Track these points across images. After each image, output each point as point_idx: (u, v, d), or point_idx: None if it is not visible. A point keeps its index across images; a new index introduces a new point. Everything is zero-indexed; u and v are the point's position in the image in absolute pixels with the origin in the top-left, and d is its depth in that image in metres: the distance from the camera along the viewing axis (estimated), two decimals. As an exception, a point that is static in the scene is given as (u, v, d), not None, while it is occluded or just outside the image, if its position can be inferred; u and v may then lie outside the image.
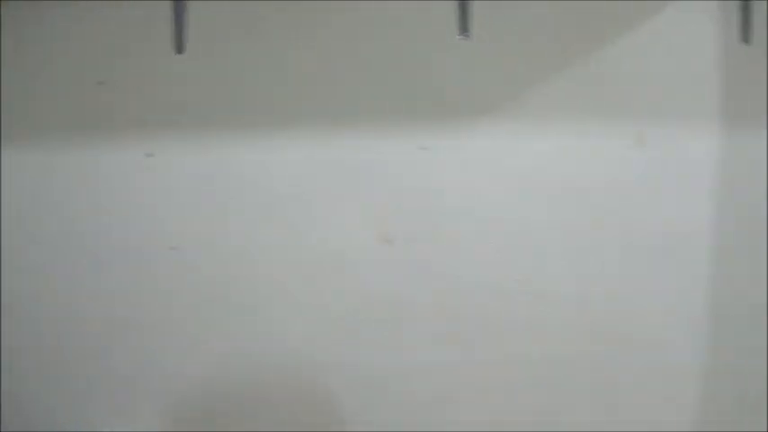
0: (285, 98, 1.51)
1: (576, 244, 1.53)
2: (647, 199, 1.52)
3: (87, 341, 1.54)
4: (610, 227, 1.53)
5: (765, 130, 1.50)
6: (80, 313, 1.53)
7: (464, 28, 1.40)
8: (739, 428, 1.53)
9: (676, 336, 1.54)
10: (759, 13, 1.44)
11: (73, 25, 1.50)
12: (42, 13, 1.48)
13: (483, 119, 1.51)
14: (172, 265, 1.54)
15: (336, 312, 1.55)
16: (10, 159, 1.51)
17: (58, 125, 1.51)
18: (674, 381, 1.55)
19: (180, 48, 1.45)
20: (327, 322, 1.55)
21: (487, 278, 1.53)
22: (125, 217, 1.53)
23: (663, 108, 1.50)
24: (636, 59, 1.49)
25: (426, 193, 1.52)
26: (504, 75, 1.50)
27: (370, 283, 1.54)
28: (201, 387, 1.56)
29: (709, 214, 1.51)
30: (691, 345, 1.54)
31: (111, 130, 1.52)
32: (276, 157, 1.52)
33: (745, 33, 1.44)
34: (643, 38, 1.48)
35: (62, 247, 1.53)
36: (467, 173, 1.52)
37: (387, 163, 1.52)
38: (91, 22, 1.49)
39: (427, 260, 1.53)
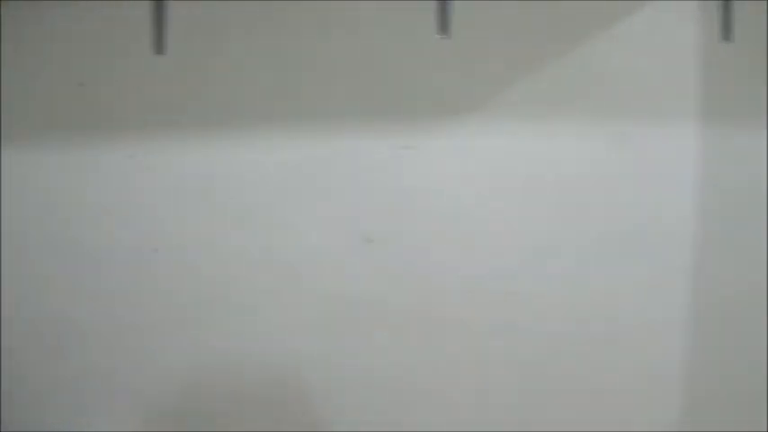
0: (266, 99, 1.51)
1: (556, 243, 1.53)
2: (626, 197, 1.52)
3: (67, 340, 1.54)
4: (589, 225, 1.53)
5: (744, 128, 1.50)
6: (60, 312, 1.53)
7: (443, 28, 1.40)
8: (722, 425, 1.53)
9: (657, 333, 1.54)
10: (740, 12, 1.45)
11: (53, 26, 1.50)
12: (25, 12, 1.48)
13: (462, 119, 1.51)
14: (153, 266, 1.54)
15: (315, 311, 1.55)
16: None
17: (38, 126, 1.51)
18: (656, 378, 1.55)
19: (160, 48, 1.44)
20: (306, 321, 1.55)
21: (466, 277, 1.54)
22: (106, 219, 1.53)
23: (642, 106, 1.50)
24: (615, 58, 1.50)
25: (406, 192, 1.53)
26: (484, 74, 1.51)
27: (349, 281, 1.54)
28: (179, 385, 1.56)
29: (689, 212, 1.52)
30: (671, 342, 1.54)
31: (92, 132, 1.52)
32: (257, 158, 1.52)
33: (726, 32, 1.44)
34: (623, 37, 1.49)
35: (41, 247, 1.52)
36: (447, 172, 1.52)
37: (366, 163, 1.52)
38: (71, 23, 1.49)
39: (407, 259, 1.53)
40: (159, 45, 1.45)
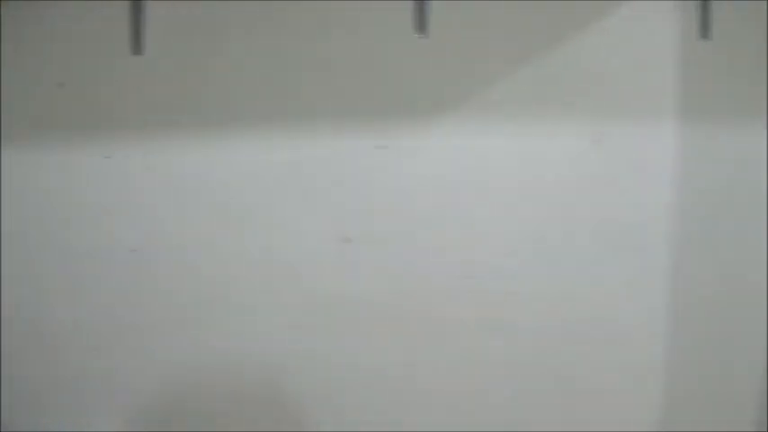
0: (245, 98, 1.50)
1: (534, 242, 1.54)
2: (605, 196, 1.52)
3: (46, 341, 1.53)
4: (568, 224, 1.53)
5: (723, 127, 1.51)
6: (39, 312, 1.53)
7: (421, 27, 1.41)
8: (703, 421, 1.53)
9: (637, 332, 1.54)
10: (717, 11, 1.45)
11: (31, 25, 1.49)
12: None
13: (440, 118, 1.51)
14: (132, 267, 1.53)
15: (294, 311, 1.54)
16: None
17: (15, 126, 1.51)
18: (636, 375, 1.55)
19: (138, 49, 1.44)
20: (285, 321, 1.54)
21: (446, 276, 1.53)
22: (84, 219, 1.52)
23: (621, 105, 1.51)
24: (594, 58, 1.50)
25: (385, 191, 1.52)
26: (462, 74, 1.50)
27: (328, 281, 1.53)
28: (171, 385, 1.55)
29: (668, 210, 1.52)
30: (651, 340, 1.54)
31: (70, 132, 1.51)
32: (235, 158, 1.51)
33: (704, 30, 1.45)
34: (601, 36, 1.49)
35: (20, 247, 1.52)
36: (425, 171, 1.52)
37: (345, 162, 1.51)
38: (49, 23, 1.49)
39: (385, 259, 1.53)
40: (137, 46, 1.45)
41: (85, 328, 1.53)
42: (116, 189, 1.51)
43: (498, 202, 1.53)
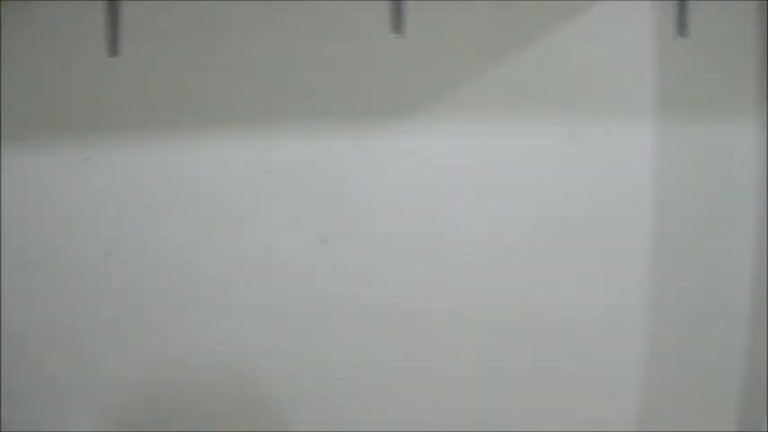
0: (221, 99, 1.50)
1: (512, 239, 1.54)
2: (583, 193, 1.53)
3: (19, 342, 1.53)
4: (546, 222, 1.54)
5: (699, 123, 1.52)
6: (11, 315, 1.52)
7: (398, 27, 1.40)
8: (681, 418, 1.54)
9: (615, 327, 1.55)
10: (694, 11, 1.46)
11: (5, 25, 1.48)
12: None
13: (417, 117, 1.51)
14: (108, 269, 1.52)
15: (270, 311, 1.54)
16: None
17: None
18: (615, 372, 1.55)
19: (113, 50, 1.43)
20: (261, 321, 1.54)
21: (421, 275, 1.54)
22: (61, 221, 1.51)
23: (598, 103, 1.51)
24: (571, 56, 1.50)
25: (361, 191, 1.52)
26: (438, 73, 1.51)
27: (305, 281, 1.53)
28: (131, 389, 1.54)
29: (645, 206, 1.53)
30: (630, 336, 1.55)
31: (47, 134, 1.50)
32: (211, 159, 1.51)
33: (681, 28, 1.45)
34: (578, 35, 1.50)
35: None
36: (402, 171, 1.52)
37: (321, 162, 1.51)
38: (23, 23, 1.48)
39: (361, 258, 1.53)
40: (113, 47, 1.44)
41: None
42: (93, 190, 1.51)
43: (476, 200, 1.53)
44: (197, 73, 1.49)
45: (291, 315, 1.54)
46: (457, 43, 1.50)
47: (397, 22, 1.41)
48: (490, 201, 1.53)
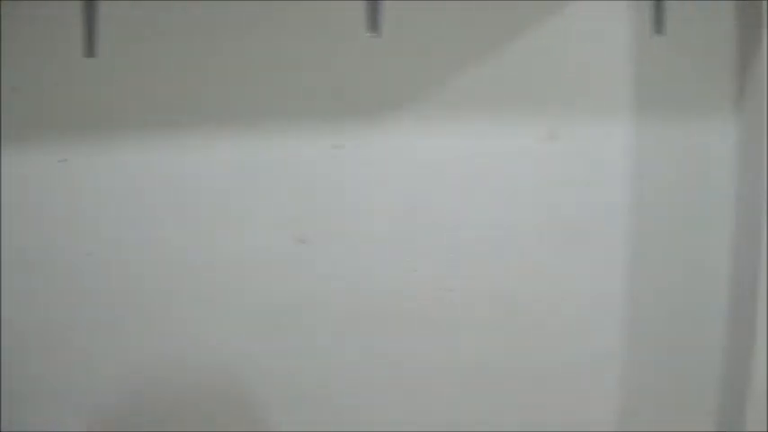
0: (198, 99, 1.50)
1: (492, 239, 1.54)
2: (562, 192, 1.53)
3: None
4: (525, 221, 1.54)
5: (676, 122, 1.52)
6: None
7: (374, 26, 1.40)
8: (660, 414, 1.54)
9: (594, 325, 1.55)
10: (671, 10, 1.46)
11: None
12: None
13: (395, 116, 1.52)
14: (88, 270, 1.52)
15: (249, 312, 1.54)
16: None
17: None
18: (594, 371, 1.55)
19: (90, 51, 1.43)
20: (240, 323, 1.54)
21: (401, 275, 1.54)
22: (39, 223, 1.51)
23: (575, 101, 1.52)
24: (549, 55, 1.51)
25: (339, 191, 1.53)
26: (415, 72, 1.51)
27: (283, 282, 1.53)
28: (117, 388, 1.55)
29: (623, 205, 1.53)
30: (609, 334, 1.55)
31: (23, 136, 1.50)
32: (189, 159, 1.51)
33: (658, 26, 1.45)
34: (554, 34, 1.50)
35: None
36: (380, 171, 1.53)
37: (299, 162, 1.51)
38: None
39: (340, 259, 1.53)
40: (90, 48, 1.44)
41: (63, 327, 1.53)
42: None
43: (453, 201, 1.53)
44: (180, 73, 1.50)
45: (269, 317, 1.54)
46: (435, 43, 1.50)
47: (373, 21, 1.40)
48: (469, 200, 1.53)
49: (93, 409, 1.55)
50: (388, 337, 1.55)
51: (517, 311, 1.54)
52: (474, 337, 1.54)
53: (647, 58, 1.50)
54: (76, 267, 1.52)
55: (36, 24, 1.46)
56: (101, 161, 1.51)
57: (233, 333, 1.54)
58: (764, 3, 1.45)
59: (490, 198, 1.53)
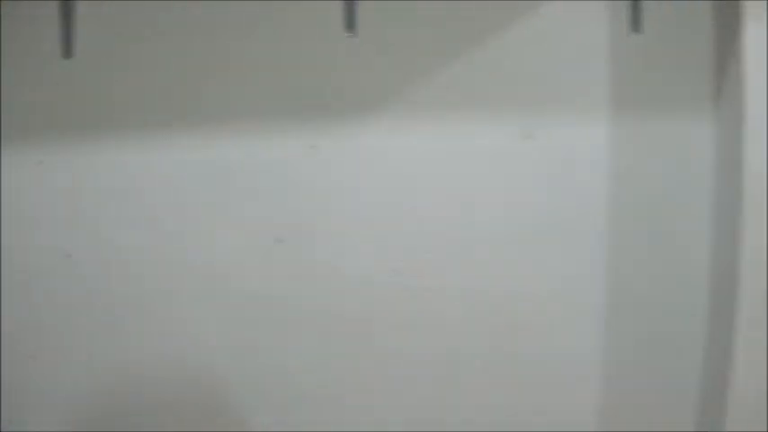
0: (174, 100, 1.51)
1: (469, 238, 1.54)
2: (540, 191, 1.54)
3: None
4: (502, 220, 1.54)
5: (654, 120, 1.52)
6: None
7: (350, 26, 1.41)
8: (640, 412, 1.54)
9: (570, 326, 1.55)
10: (648, 9, 1.46)
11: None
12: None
13: (371, 117, 1.52)
14: (67, 272, 1.52)
15: (225, 312, 1.54)
16: None
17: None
18: (574, 368, 1.55)
19: (68, 52, 1.43)
20: (217, 322, 1.54)
21: (377, 276, 1.54)
22: (17, 225, 1.51)
23: (551, 101, 1.52)
24: (526, 54, 1.51)
25: (315, 191, 1.53)
26: (392, 73, 1.52)
27: (259, 282, 1.53)
28: (92, 389, 1.54)
29: (600, 203, 1.53)
30: (587, 331, 1.55)
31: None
32: (166, 159, 1.51)
33: (636, 24, 1.46)
34: (531, 33, 1.50)
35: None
36: (356, 171, 1.53)
37: (275, 163, 1.52)
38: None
39: (316, 259, 1.53)
40: (67, 49, 1.44)
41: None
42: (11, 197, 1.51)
43: (430, 200, 1.53)
44: (153, 76, 1.50)
45: (247, 315, 1.54)
46: (411, 43, 1.50)
47: (350, 22, 1.41)
48: (445, 200, 1.53)
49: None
50: (363, 336, 1.55)
51: (494, 311, 1.54)
52: (450, 337, 1.54)
53: (624, 58, 1.51)
54: (54, 271, 1.52)
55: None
56: (78, 163, 1.51)
57: (208, 333, 1.54)
58: (741, 2, 1.45)
59: (466, 198, 1.53)
